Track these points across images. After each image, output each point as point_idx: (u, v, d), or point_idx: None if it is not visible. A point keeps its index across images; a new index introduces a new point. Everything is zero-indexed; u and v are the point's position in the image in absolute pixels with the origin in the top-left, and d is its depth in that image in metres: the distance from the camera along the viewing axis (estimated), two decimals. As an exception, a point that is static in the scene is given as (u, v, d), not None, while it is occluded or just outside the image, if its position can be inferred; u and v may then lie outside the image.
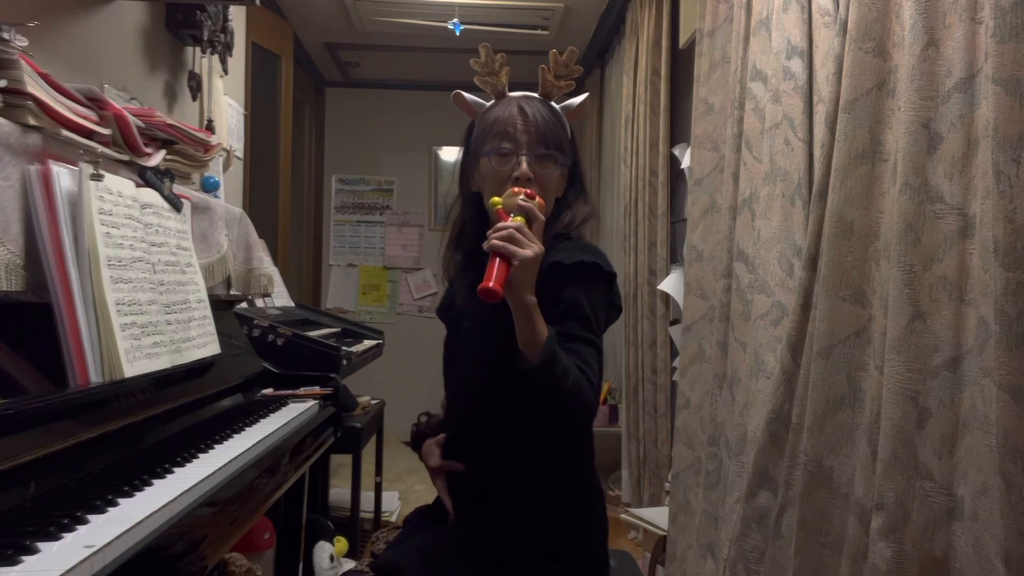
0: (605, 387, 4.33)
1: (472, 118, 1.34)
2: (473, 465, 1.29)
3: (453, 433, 1.34)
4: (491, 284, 1.06)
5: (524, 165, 1.22)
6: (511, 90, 1.33)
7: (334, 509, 3.23)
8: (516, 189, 1.19)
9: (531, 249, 1.10)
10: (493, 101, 1.31)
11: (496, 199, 1.19)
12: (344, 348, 2.50)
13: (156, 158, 1.64)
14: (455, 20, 3.74)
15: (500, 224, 1.13)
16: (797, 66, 1.81)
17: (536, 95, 1.31)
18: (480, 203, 1.29)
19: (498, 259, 1.10)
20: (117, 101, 1.58)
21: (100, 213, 1.28)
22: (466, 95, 1.34)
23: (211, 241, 2.01)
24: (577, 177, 1.33)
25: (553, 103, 1.31)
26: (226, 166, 2.74)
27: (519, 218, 1.14)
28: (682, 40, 3.11)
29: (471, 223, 1.32)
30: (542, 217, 1.16)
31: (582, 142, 5.25)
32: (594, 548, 1.27)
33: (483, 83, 1.31)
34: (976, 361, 1.28)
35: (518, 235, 1.10)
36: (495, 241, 1.10)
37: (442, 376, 1.38)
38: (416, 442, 1.42)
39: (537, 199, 1.18)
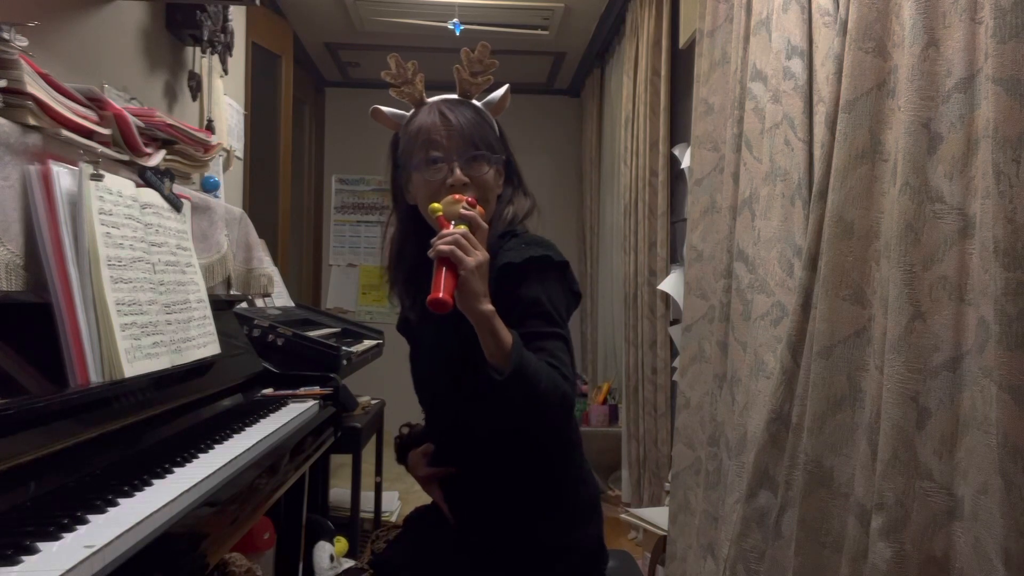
0: (605, 387, 4.33)
1: (395, 131, 1.32)
2: (463, 471, 1.29)
3: (438, 446, 1.34)
4: (440, 294, 1.05)
5: (457, 171, 1.21)
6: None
7: (334, 509, 3.23)
8: (457, 196, 1.17)
9: (475, 257, 1.08)
10: (413, 110, 1.29)
11: (436, 205, 1.17)
12: (344, 348, 2.50)
13: (156, 158, 1.64)
14: (455, 20, 3.74)
15: (444, 232, 1.11)
16: (797, 66, 1.81)
17: (455, 96, 1.28)
18: (418, 215, 1.27)
19: (444, 269, 1.08)
20: (117, 101, 1.58)
21: (100, 213, 1.28)
22: (383, 109, 1.31)
23: (211, 241, 2.01)
24: (512, 172, 1.31)
25: (475, 101, 1.29)
26: (226, 166, 2.74)
27: (462, 226, 1.12)
28: (682, 40, 3.11)
29: (411, 237, 1.29)
30: (485, 225, 1.15)
31: (581, 142, 5.25)
32: (589, 542, 1.27)
33: (399, 94, 1.29)
34: (976, 361, 1.28)
35: (463, 241, 1.09)
36: (441, 247, 1.08)
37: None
38: (400, 454, 1.42)
39: (478, 207, 1.17)
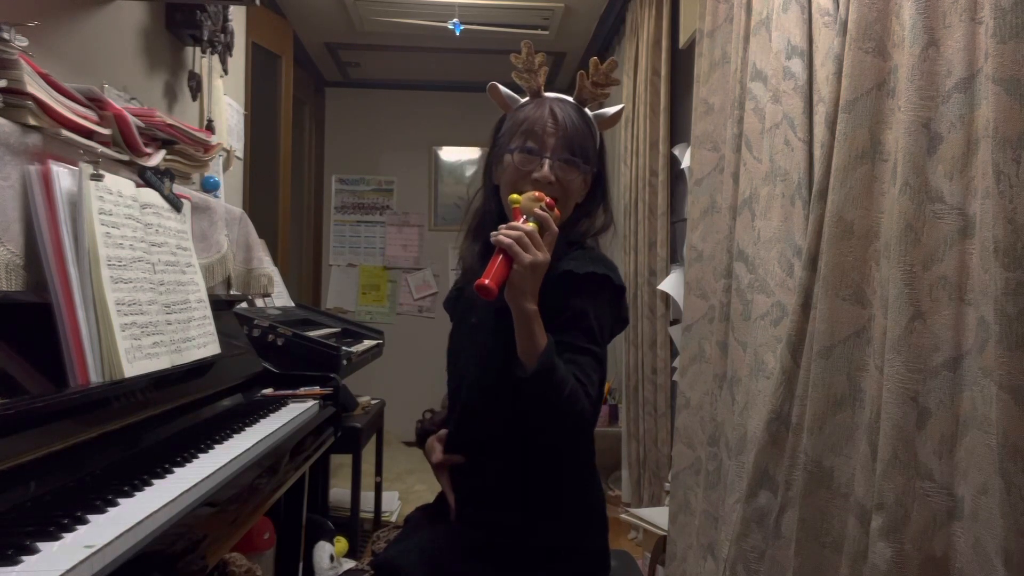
0: (605, 387, 4.33)
1: (505, 112, 1.34)
2: (473, 461, 1.29)
3: (455, 428, 1.34)
4: (487, 281, 1.07)
5: (546, 168, 1.22)
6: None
7: (334, 509, 3.23)
8: (539, 194, 1.18)
9: (535, 256, 1.10)
10: (527, 99, 1.31)
11: (516, 196, 1.19)
12: (344, 348, 2.50)
13: (156, 158, 1.64)
14: (455, 20, 3.74)
15: (512, 223, 1.13)
16: (797, 66, 1.81)
17: (570, 99, 1.30)
18: (499, 199, 1.30)
19: (501, 258, 1.10)
20: (117, 101, 1.58)
21: (100, 213, 1.28)
22: (502, 88, 1.33)
23: (211, 241, 2.01)
24: (600, 186, 1.33)
25: (587, 110, 1.31)
26: (226, 166, 2.74)
27: (533, 224, 1.14)
28: (682, 40, 3.11)
29: (490, 216, 1.32)
30: (555, 229, 1.16)
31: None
32: (594, 547, 1.27)
33: (520, 79, 1.31)
34: (976, 361, 1.28)
35: (526, 239, 1.10)
36: (502, 237, 1.11)
37: (445, 372, 1.38)
38: (420, 439, 1.43)
39: (556, 211, 1.18)
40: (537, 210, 1.15)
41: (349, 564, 2.76)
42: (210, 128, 2.53)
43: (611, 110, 1.34)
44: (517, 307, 1.11)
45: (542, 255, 1.11)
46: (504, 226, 1.13)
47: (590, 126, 1.29)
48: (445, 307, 1.44)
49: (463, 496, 1.29)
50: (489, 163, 1.34)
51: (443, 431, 1.37)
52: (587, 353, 1.17)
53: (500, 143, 1.30)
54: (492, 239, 1.12)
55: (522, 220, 1.14)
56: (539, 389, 1.10)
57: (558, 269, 1.17)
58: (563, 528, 1.24)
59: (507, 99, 1.33)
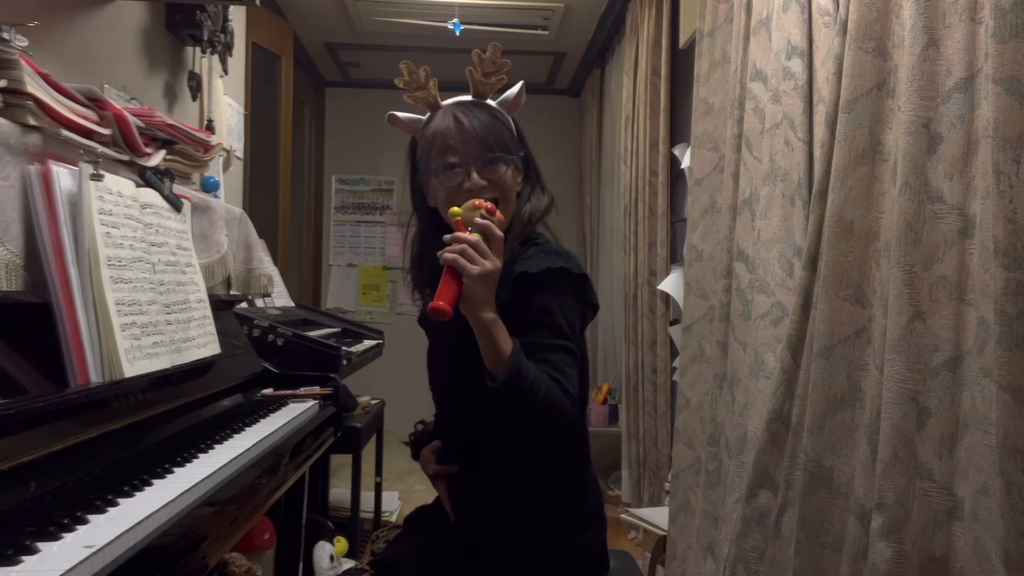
0: (605, 387, 4.33)
1: (412, 135, 1.33)
2: (466, 468, 1.29)
3: (444, 437, 1.35)
4: (440, 303, 1.06)
5: (474, 175, 1.21)
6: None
7: (334, 509, 3.22)
8: (477, 203, 1.17)
9: (482, 266, 1.09)
10: (428, 114, 1.30)
11: (455, 209, 1.17)
12: (344, 348, 2.50)
13: (156, 158, 1.64)
14: (455, 20, 3.74)
15: (455, 235, 1.12)
16: (797, 66, 1.81)
17: (469, 98, 1.29)
18: (439, 216, 1.28)
19: (451, 276, 1.09)
20: (117, 101, 1.58)
21: (100, 213, 1.28)
22: (399, 115, 1.32)
23: (211, 241, 2.01)
24: (530, 169, 1.31)
25: (489, 101, 1.30)
26: (226, 166, 2.74)
27: (475, 234, 1.13)
28: (682, 40, 3.11)
29: (434, 237, 1.29)
30: (500, 234, 1.14)
31: (581, 142, 5.25)
32: (592, 546, 1.27)
33: (414, 99, 1.30)
34: (976, 361, 1.28)
35: (471, 251, 1.10)
36: (447, 254, 1.10)
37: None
38: (414, 451, 1.42)
39: (498, 214, 1.17)
40: (477, 219, 1.14)
41: (349, 564, 2.76)
42: (210, 128, 2.53)
43: (512, 92, 1.31)
44: (475, 319, 1.10)
45: (490, 263, 1.10)
46: (447, 238, 1.12)
47: (498, 117, 1.27)
48: (419, 324, 1.41)
49: (459, 499, 1.29)
50: (416, 189, 1.32)
51: (436, 442, 1.37)
52: (558, 350, 1.16)
53: (422, 167, 1.29)
54: (439, 258, 1.11)
55: (468, 231, 1.13)
56: (512, 395, 1.09)
57: (514, 272, 1.17)
58: (558, 528, 1.23)
59: (410, 123, 1.32)
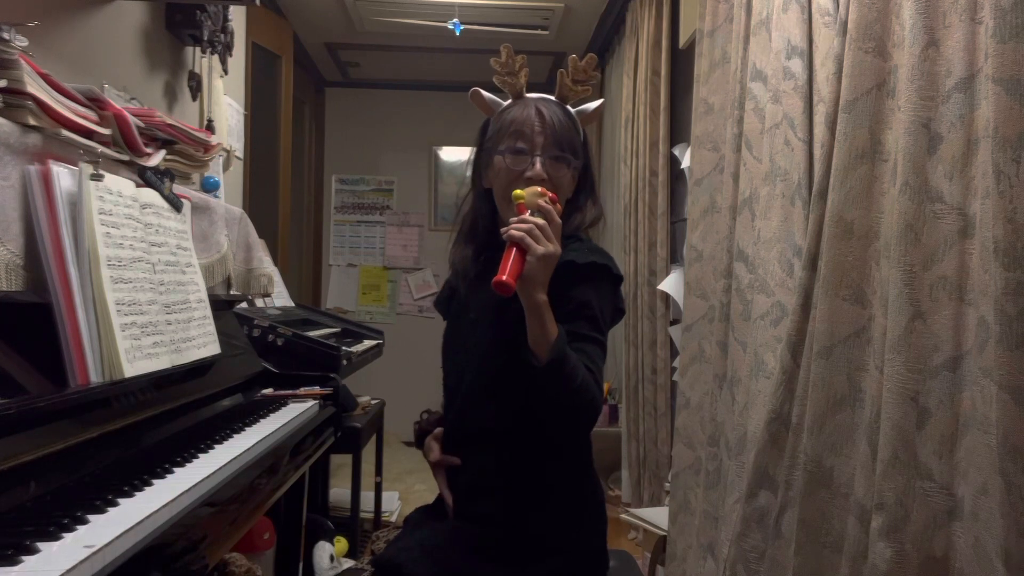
0: (605, 387, 4.33)
1: (488, 115, 1.36)
2: (472, 456, 1.30)
3: (452, 424, 1.35)
4: (504, 277, 1.09)
5: (538, 166, 1.25)
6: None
7: (334, 509, 3.23)
8: (541, 189, 1.20)
9: (546, 248, 1.12)
10: (510, 101, 1.33)
11: (519, 192, 1.21)
12: (344, 348, 2.50)
13: (156, 158, 1.64)
14: (455, 20, 3.74)
15: (522, 217, 1.15)
16: (797, 66, 1.81)
17: (552, 98, 1.32)
18: (492, 199, 1.32)
19: (514, 252, 1.12)
20: (117, 101, 1.58)
21: (100, 213, 1.28)
22: (484, 93, 1.35)
23: (211, 241, 2.01)
24: (588, 180, 1.35)
25: (568, 107, 1.33)
26: (226, 166, 2.74)
27: (538, 218, 1.16)
28: (682, 40, 3.11)
29: (483, 219, 1.34)
30: (559, 221, 1.18)
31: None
32: (592, 542, 1.28)
33: (502, 83, 1.33)
34: (976, 361, 1.28)
35: (537, 231, 1.13)
36: (514, 232, 1.13)
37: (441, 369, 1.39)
38: (419, 439, 1.43)
39: (558, 204, 1.21)
40: (541, 203, 1.17)
41: (349, 564, 2.76)
42: (210, 128, 2.53)
43: (592, 105, 1.37)
44: (530, 299, 1.13)
45: (553, 246, 1.14)
46: (514, 219, 1.15)
47: (574, 122, 1.32)
48: (436, 307, 1.46)
49: (459, 492, 1.30)
50: (477, 167, 1.36)
51: (439, 430, 1.38)
52: (593, 342, 1.20)
53: (488, 146, 1.32)
54: (503, 235, 1.14)
55: (528, 214, 1.16)
56: (553, 378, 1.12)
57: (560, 260, 1.19)
58: (560, 523, 1.24)
59: (490, 103, 1.36)
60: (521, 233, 1.12)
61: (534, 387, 1.14)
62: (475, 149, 1.38)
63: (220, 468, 1.18)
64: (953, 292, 1.33)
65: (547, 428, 1.22)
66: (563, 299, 1.18)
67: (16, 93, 1.22)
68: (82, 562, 0.79)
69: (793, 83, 1.81)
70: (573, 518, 1.26)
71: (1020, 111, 1.17)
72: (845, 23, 1.57)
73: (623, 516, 2.81)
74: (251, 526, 1.52)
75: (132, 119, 1.52)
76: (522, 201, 1.19)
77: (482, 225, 1.34)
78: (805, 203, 1.79)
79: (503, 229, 1.15)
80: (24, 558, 0.79)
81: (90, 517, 0.91)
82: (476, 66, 4.56)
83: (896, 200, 1.40)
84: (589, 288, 1.22)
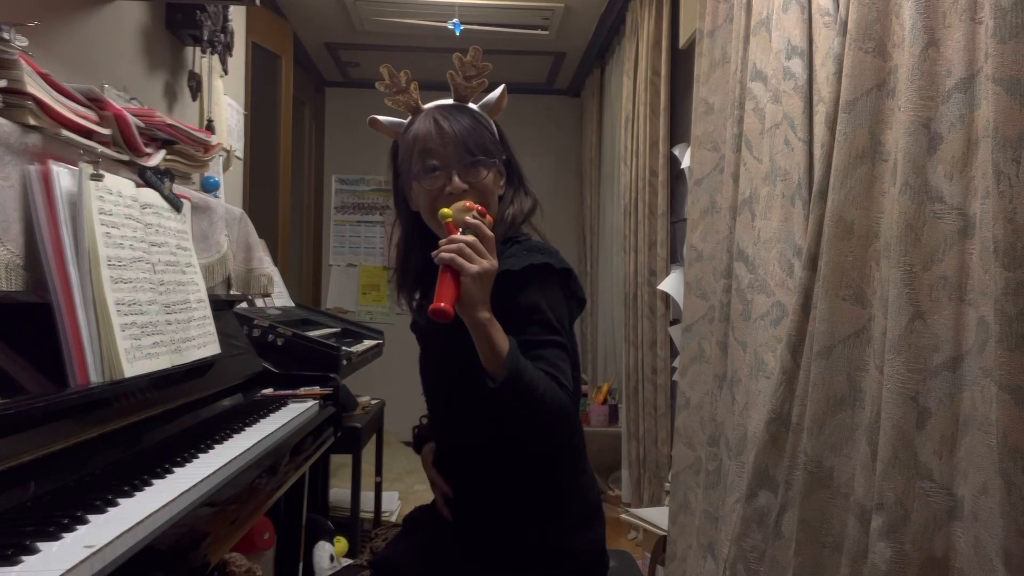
0: (605, 387, 4.33)
1: (394, 139, 1.32)
2: (461, 470, 1.29)
3: (439, 439, 1.35)
4: (441, 304, 1.05)
5: (455, 179, 1.21)
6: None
7: (334, 509, 3.22)
8: (468, 204, 1.16)
9: (480, 265, 1.09)
10: (410, 118, 1.29)
11: (445, 210, 1.16)
12: (344, 348, 2.50)
13: (156, 158, 1.64)
14: (455, 20, 3.74)
15: (450, 237, 1.11)
16: (797, 66, 1.81)
17: (451, 101, 1.28)
18: (422, 222, 1.27)
19: (448, 276, 1.08)
20: (117, 101, 1.58)
21: (100, 213, 1.28)
22: (381, 118, 1.31)
23: (211, 241, 2.01)
24: (513, 171, 1.31)
25: (471, 104, 1.29)
26: (226, 166, 2.74)
27: (469, 235, 1.12)
28: (682, 40, 3.11)
29: (416, 242, 1.30)
30: (491, 234, 1.14)
31: (581, 143, 5.25)
32: (591, 545, 1.27)
33: (394, 103, 1.29)
34: (976, 361, 1.28)
35: (467, 250, 1.09)
36: (443, 254, 1.09)
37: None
38: (418, 444, 1.43)
39: (488, 216, 1.17)
40: (468, 219, 1.13)
41: (348, 564, 2.76)
42: (210, 128, 2.53)
43: (494, 95, 1.30)
44: (472, 319, 1.09)
45: (488, 261, 1.10)
46: (442, 242, 1.11)
47: (479, 120, 1.27)
48: (412, 330, 1.40)
49: (457, 499, 1.29)
50: (399, 193, 1.32)
51: (433, 443, 1.38)
52: (550, 345, 1.15)
53: (403, 171, 1.28)
54: (434, 258, 1.10)
55: (459, 232, 1.13)
56: (512, 395, 1.08)
57: (498, 271, 1.15)
58: (557, 527, 1.23)
59: (391, 127, 1.31)
60: (451, 254, 1.08)
61: (496, 407, 1.11)
62: (391, 174, 1.33)
63: (220, 468, 1.18)
64: (953, 292, 1.33)
65: (521, 441, 1.20)
66: (510, 309, 1.14)
67: (16, 93, 1.22)
68: (82, 562, 0.79)
69: (793, 83, 1.82)
70: (571, 521, 1.25)
71: (1020, 111, 1.18)
72: (845, 23, 1.57)
73: (623, 516, 2.81)
74: (251, 526, 1.52)
75: (132, 119, 1.52)
76: (449, 220, 1.15)
77: (418, 250, 1.29)
78: (805, 203, 1.79)
79: (433, 253, 1.11)
80: (24, 558, 0.79)
81: (90, 517, 0.91)
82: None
83: (896, 200, 1.40)
84: (534, 291, 1.17)
